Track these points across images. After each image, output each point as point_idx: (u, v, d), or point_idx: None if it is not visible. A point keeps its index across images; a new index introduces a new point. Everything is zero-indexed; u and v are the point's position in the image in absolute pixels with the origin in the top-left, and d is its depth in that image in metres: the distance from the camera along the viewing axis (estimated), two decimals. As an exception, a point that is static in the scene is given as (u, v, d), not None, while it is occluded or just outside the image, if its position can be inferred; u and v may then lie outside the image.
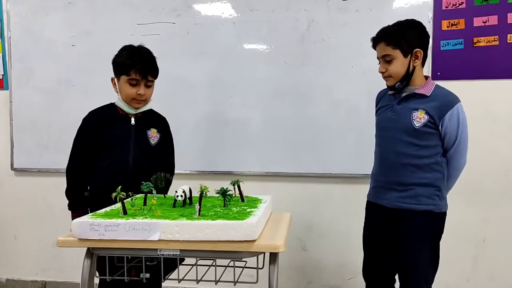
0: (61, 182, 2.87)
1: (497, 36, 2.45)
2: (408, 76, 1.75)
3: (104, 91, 2.69)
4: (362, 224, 2.64)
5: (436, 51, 2.51)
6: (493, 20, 2.45)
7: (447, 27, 2.50)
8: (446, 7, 2.50)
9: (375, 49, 1.81)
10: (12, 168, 2.98)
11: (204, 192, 1.45)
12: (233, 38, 2.70)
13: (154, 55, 1.93)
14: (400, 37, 1.73)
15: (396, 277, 1.93)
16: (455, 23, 2.49)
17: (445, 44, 2.51)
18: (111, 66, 1.96)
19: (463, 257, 2.60)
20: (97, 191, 1.87)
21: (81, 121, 1.99)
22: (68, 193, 1.97)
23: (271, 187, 2.68)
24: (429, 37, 1.81)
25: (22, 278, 3.05)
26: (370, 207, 1.97)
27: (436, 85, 1.79)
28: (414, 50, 1.74)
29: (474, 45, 2.48)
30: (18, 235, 3.05)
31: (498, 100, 2.51)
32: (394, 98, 1.83)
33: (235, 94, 2.72)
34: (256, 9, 2.66)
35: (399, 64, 1.74)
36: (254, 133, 2.72)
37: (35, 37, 2.89)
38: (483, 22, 2.46)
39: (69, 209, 1.94)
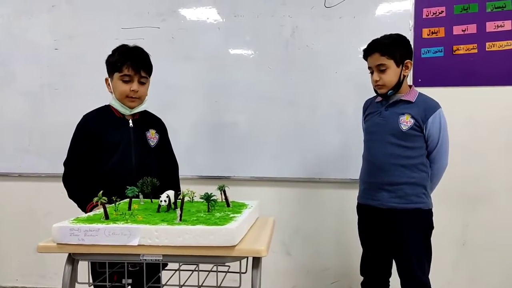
0: (43, 187, 2.87)
1: (476, 44, 2.51)
2: (399, 85, 1.90)
3: (87, 95, 2.71)
4: (347, 228, 2.68)
5: (417, 59, 2.55)
6: (472, 28, 2.51)
7: (428, 35, 2.56)
8: (427, 16, 2.55)
9: (365, 59, 1.94)
10: (-7, 172, 2.93)
11: (191, 197, 1.45)
12: (218, 43, 2.71)
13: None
14: (394, 48, 1.88)
15: (393, 269, 2.03)
16: (435, 31, 2.54)
17: (426, 52, 2.56)
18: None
19: (444, 261, 2.64)
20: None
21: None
22: (73, 197, 1.80)
23: (256, 192, 2.69)
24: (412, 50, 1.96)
25: (2, 284, 2.99)
26: (362, 209, 2.06)
27: (419, 92, 1.96)
28: (405, 61, 1.90)
29: (454, 53, 2.54)
30: (-1, 241, 3.00)
31: (477, 107, 2.57)
32: (382, 105, 1.98)
33: (221, 99, 2.73)
34: (241, 15, 2.68)
35: (393, 73, 1.88)
36: (240, 138, 2.73)
37: (17, 40, 2.85)
38: (463, 31, 2.52)
39: (82, 208, 1.74)
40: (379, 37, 1.93)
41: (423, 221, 1.92)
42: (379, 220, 1.95)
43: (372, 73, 1.93)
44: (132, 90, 1.80)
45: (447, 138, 1.94)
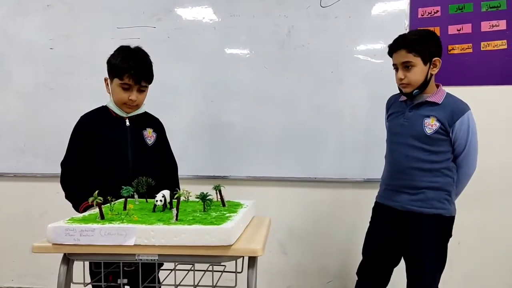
0: (38, 187, 2.86)
1: (471, 44, 2.52)
2: (425, 84, 1.79)
3: (82, 94, 2.70)
4: (343, 228, 2.69)
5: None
6: (467, 28, 2.52)
7: (423, 34, 2.56)
8: (422, 15, 2.56)
9: (390, 56, 1.84)
10: (-13, 172, 2.92)
11: (186, 197, 1.45)
12: (214, 43, 2.71)
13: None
14: (422, 45, 1.76)
15: (397, 276, 1.97)
16: (431, 31, 2.56)
17: (421, 51, 2.57)
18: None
19: (440, 260, 2.66)
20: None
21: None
22: (71, 198, 1.80)
23: (252, 191, 2.68)
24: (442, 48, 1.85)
25: (-3, 285, 2.99)
26: (379, 208, 1.98)
27: (447, 93, 1.84)
28: (433, 59, 1.79)
29: (449, 53, 2.55)
30: (-6, 241, 2.99)
31: (472, 106, 2.55)
32: (406, 105, 1.87)
33: (216, 99, 2.73)
34: (237, 15, 2.68)
35: (419, 72, 1.77)
36: (236, 138, 2.72)
37: (13, 40, 2.84)
38: (458, 30, 2.53)
39: (77, 209, 1.75)
40: (406, 32, 1.83)
41: (441, 228, 1.83)
42: (395, 221, 1.87)
43: (396, 70, 1.82)
44: (130, 99, 1.79)
45: (475, 143, 1.82)
